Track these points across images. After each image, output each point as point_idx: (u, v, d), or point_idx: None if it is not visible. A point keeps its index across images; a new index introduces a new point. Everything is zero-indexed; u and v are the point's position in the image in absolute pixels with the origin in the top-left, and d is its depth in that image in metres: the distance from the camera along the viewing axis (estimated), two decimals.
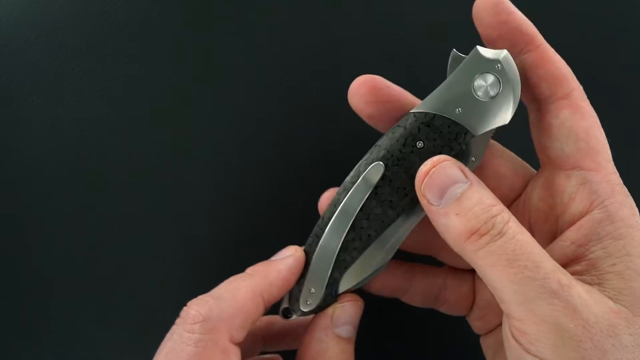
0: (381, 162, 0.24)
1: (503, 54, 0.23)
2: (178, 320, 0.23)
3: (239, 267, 0.25)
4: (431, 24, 0.33)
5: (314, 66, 0.33)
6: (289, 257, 0.25)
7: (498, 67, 0.23)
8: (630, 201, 0.22)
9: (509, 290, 0.20)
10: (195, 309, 0.22)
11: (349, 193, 0.25)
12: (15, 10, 0.33)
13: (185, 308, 0.23)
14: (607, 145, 0.23)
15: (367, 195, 0.24)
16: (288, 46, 0.33)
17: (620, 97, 0.33)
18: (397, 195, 0.24)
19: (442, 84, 0.24)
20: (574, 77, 0.23)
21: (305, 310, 0.25)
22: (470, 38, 0.33)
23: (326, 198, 0.27)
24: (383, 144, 0.24)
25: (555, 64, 0.23)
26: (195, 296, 0.26)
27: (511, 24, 0.23)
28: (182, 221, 0.33)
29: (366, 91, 0.25)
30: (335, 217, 0.25)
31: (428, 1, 0.33)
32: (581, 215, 0.22)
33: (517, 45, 0.23)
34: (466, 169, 0.22)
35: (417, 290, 0.28)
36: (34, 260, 0.33)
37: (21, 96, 0.33)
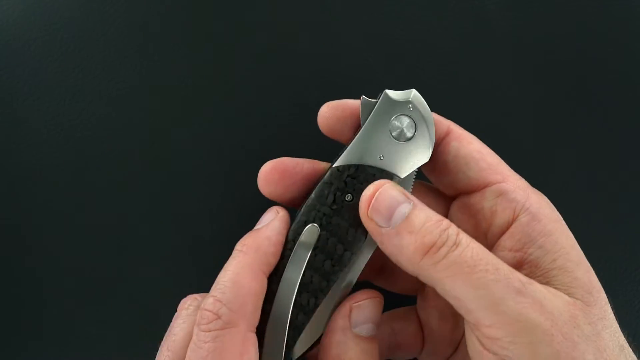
0: (315, 224, 0.24)
1: (412, 93, 0.24)
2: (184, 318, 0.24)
3: None
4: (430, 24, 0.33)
5: (315, 65, 0.33)
6: (274, 220, 0.24)
7: (410, 107, 0.24)
8: (544, 198, 0.23)
9: (474, 297, 0.20)
10: (208, 309, 0.22)
11: (289, 261, 0.24)
12: (16, 11, 0.33)
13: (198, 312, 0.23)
14: (500, 157, 0.24)
15: (307, 259, 0.24)
16: (289, 46, 0.33)
17: (620, 96, 0.33)
18: (337, 252, 0.24)
19: (359, 133, 0.24)
20: (443, 118, 0.25)
21: None
22: (468, 38, 0.33)
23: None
24: (312, 204, 0.24)
25: None
26: None
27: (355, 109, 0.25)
28: (182, 221, 0.33)
29: (278, 176, 0.25)
30: (280, 287, 0.24)
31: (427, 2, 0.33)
32: (509, 224, 0.23)
33: None
34: (406, 192, 0.23)
35: None
36: (34, 260, 0.33)
37: (21, 96, 0.33)
